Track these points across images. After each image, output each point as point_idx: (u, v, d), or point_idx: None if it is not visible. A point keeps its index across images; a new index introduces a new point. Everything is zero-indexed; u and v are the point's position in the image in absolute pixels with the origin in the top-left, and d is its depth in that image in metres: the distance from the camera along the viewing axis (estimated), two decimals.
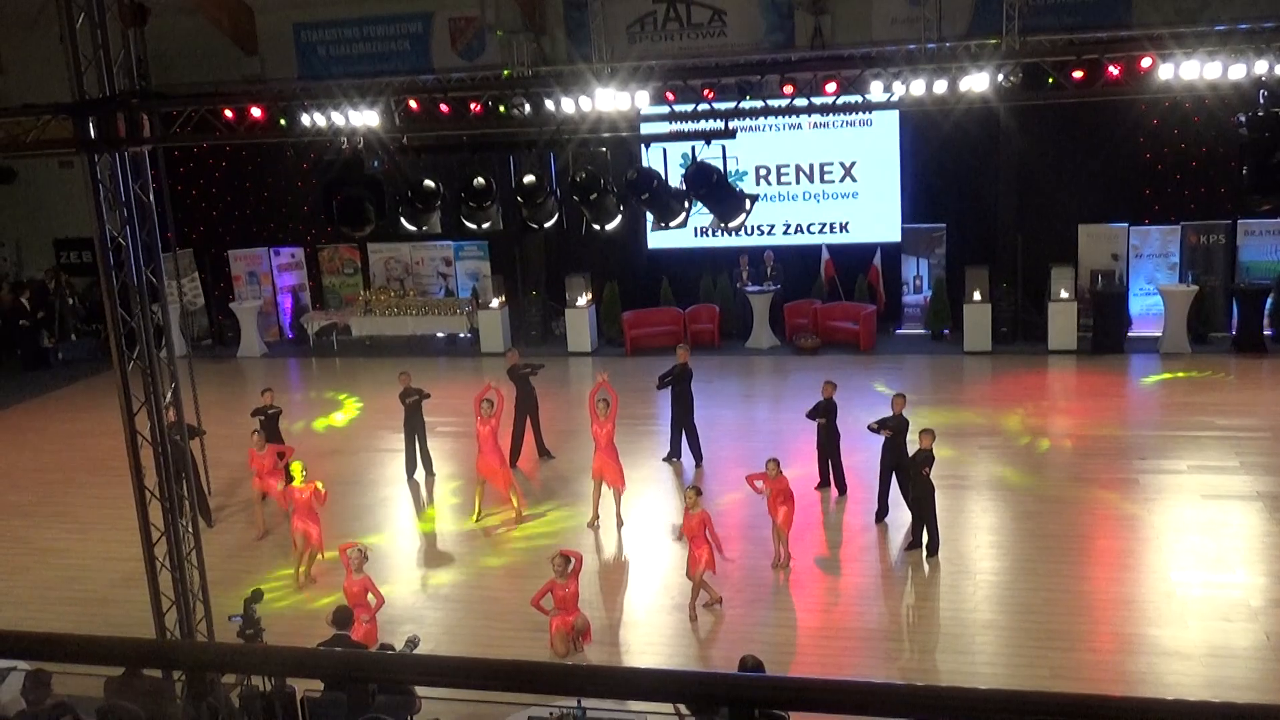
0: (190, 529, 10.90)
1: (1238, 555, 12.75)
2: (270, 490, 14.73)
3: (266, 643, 10.62)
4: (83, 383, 23.08)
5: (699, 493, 12.60)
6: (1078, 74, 10.10)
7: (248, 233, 25.83)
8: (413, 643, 10.22)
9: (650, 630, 12.07)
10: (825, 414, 14.74)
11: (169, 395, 10.42)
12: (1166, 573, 12.40)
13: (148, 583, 10.57)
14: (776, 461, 13.11)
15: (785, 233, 23.12)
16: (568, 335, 23.23)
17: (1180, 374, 19.37)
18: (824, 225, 23.09)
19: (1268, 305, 20.73)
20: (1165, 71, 9.87)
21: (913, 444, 13.52)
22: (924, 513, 13.10)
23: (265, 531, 14.81)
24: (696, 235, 22.70)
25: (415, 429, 16.24)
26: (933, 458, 12.99)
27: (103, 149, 9.54)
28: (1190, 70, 9.75)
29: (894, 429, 13.75)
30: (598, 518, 14.42)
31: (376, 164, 9.92)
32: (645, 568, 13.41)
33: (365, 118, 10.28)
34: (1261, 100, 9.23)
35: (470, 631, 12.26)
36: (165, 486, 10.39)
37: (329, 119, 10.31)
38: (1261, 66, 9.48)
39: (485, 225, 10.55)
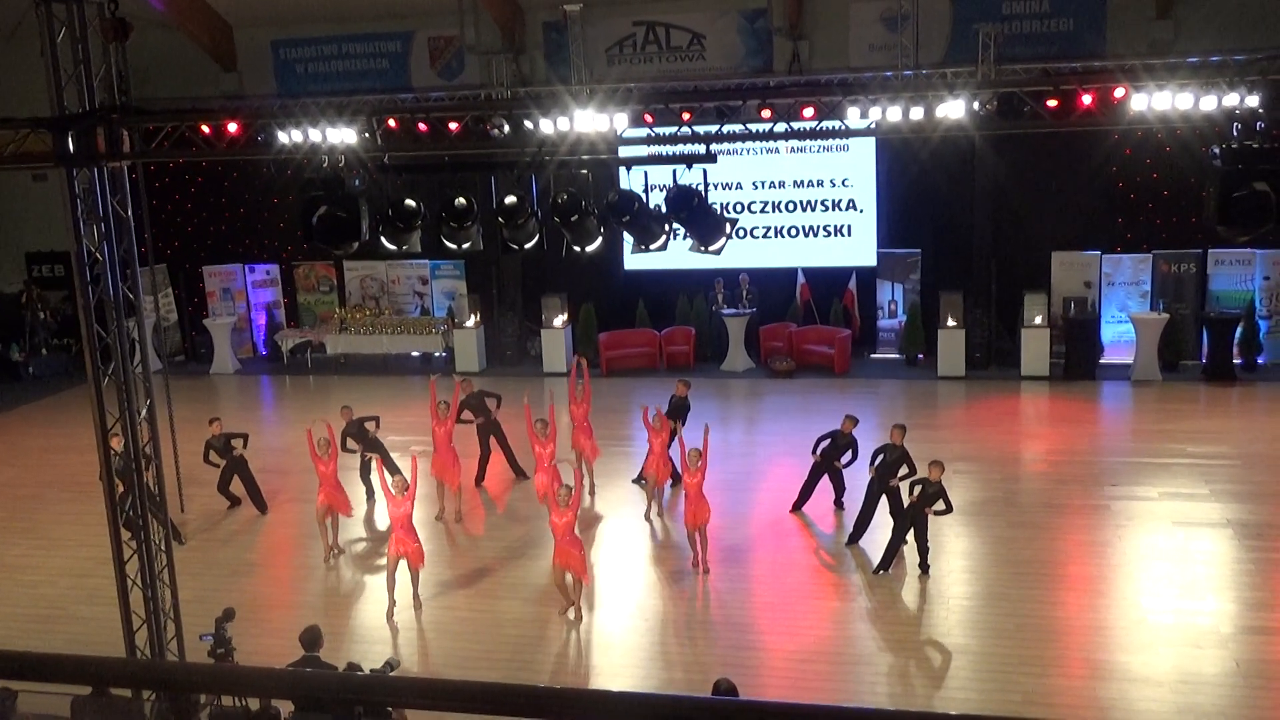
0: (163, 546, 10.81)
1: (1208, 582, 12.84)
2: (336, 503, 14.35)
3: (237, 662, 10.55)
4: (53, 397, 22.88)
5: (700, 454, 13.44)
6: (1052, 103, 10.22)
7: (223, 249, 25.72)
8: (391, 665, 10.15)
9: (624, 653, 12.04)
10: (845, 450, 14.80)
11: (143, 411, 10.35)
12: (1137, 599, 12.48)
13: (119, 600, 10.48)
14: (699, 452, 13.46)
15: (762, 256, 23.22)
16: (543, 356, 23.22)
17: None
18: (800, 249, 23.20)
19: (1237, 334, 20.95)
20: (1139, 102, 9.99)
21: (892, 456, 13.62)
22: (919, 539, 13.14)
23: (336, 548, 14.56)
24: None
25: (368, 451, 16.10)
26: (943, 493, 12.95)
27: (82, 164, 9.50)
28: (1163, 101, 9.88)
29: (891, 463, 13.76)
30: (572, 604, 12.78)
31: (358, 182, 9.91)
32: (618, 590, 13.37)
33: (343, 136, 10.29)
34: (1235, 132, 9.35)
35: (444, 652, 12.19)
36: (138, 504, 10.30)
37: (307, 137, 10.31)
38: (1232, 99, 9.63)
39: (466, 245, 10.56)
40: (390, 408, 18.38)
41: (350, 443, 15.81)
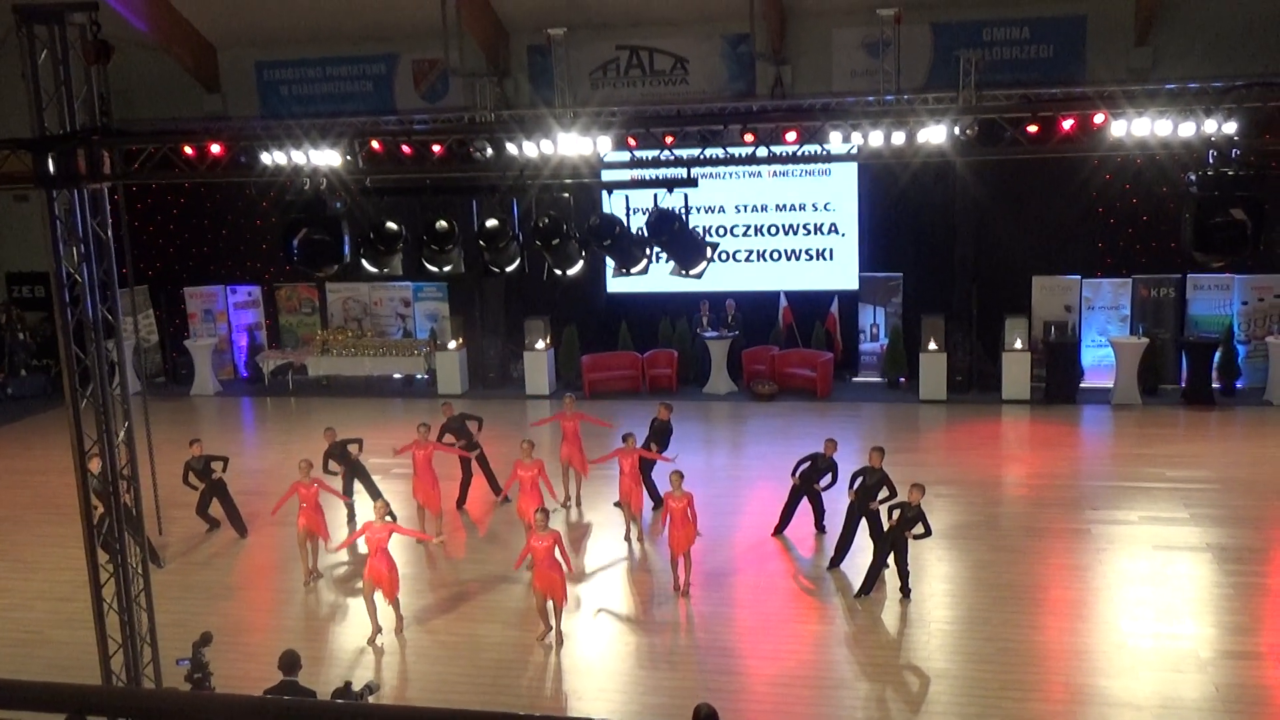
0: (140, 570, 10.73)
1: (1187, 606, 12.87)
2: (316, 527, 14.28)
3: (214, 688, 10.47)
4: (32, 419, 22.74)
5: (682, 477, 13.50)
6: (1032, 129, 10.31)
7: (205, 270, 25.67)
8: (370, 688, 10.09)
9: (604, 678, 11.98)
10: (825, 473, 14.84)
11: (121, 434, 10.29)
12: (1118, 623, 12.50)
13: (95, 625, 10.39)
14: (681, 475, 13.49)
15: (744, 280, 23.28)
16: (526, 378, 23.21)
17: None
18: (782, 273, 23.28)
19: (1216, 359, 21.08)
20: (1118, 128, 10.09)
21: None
22: (899, 562, 13.14)
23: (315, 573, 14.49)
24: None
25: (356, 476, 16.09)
26: (922, 517, 12.96)
27: (62, 185, 9.47)
28: (1142, 127, 9.98)
29: (871, 486, 13.78)
30: (549, 628, 12.66)
31: (339, 205, 9.91)
32: (598, 614, 13.33)
33: (327, 158, 10.28)
34: (1210, 160, 9.44)
35: (424, 676, 12.12)
36: (115, 526, 10.23)
37: (290, 158, 10.31)
38: (1210, 125, 9.72)
39: (447, 268, 10.55)
40: (372, 430, 18.31)
41: (332, 464, 15.78)
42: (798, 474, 14.81)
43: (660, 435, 16.05)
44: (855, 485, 13.88)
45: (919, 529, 12.90)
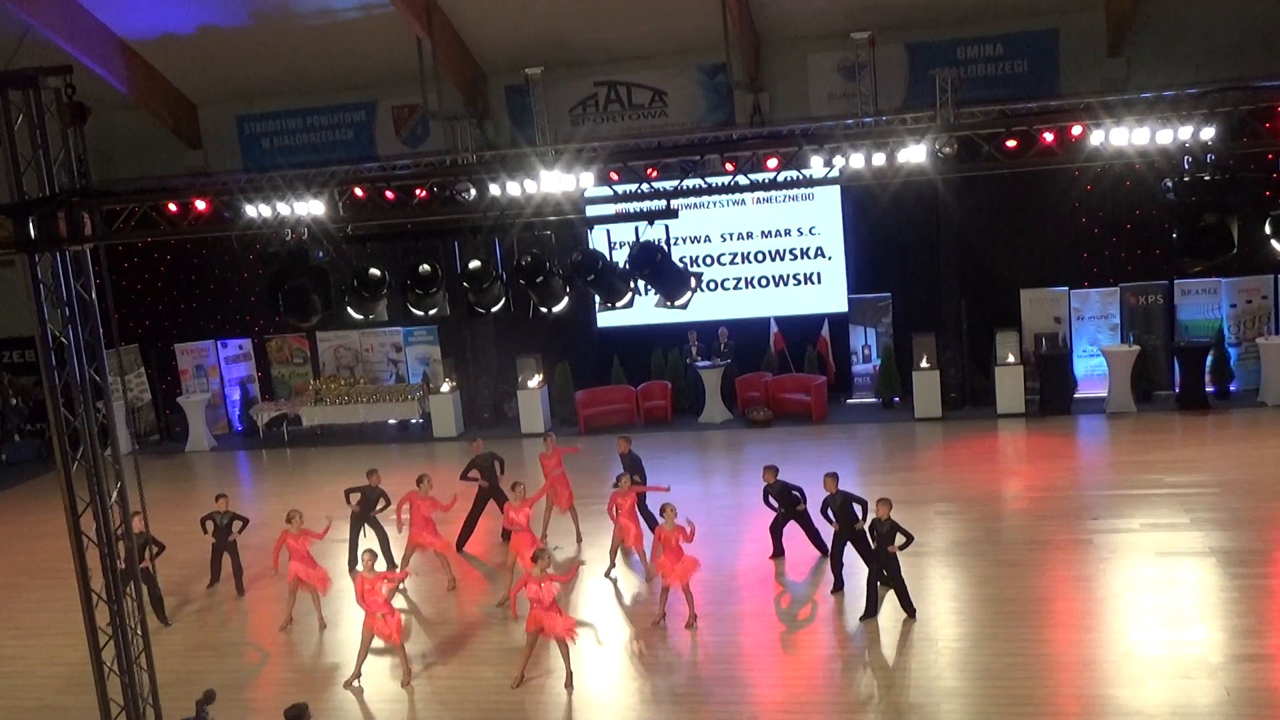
0: (139, 631, 10.65)
1: (1194, 612, 12.82)
2: (308, 577, 14.29)
3: None
4: (27, 484, 22.65)
5: (674, 511, 13.41)
6: (1011, 144, 10.36)
7: (194, 326, 25.68)
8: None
9: (614, 712, 11.88)
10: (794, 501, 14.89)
11: (114, 495, 10.24)
12: (1125, 632, 12.44)
13: (95, 688, 10.30)
14: (673, 508, 13.42)
15: (733, 308, 23.32)
16: (520, 417, 23.18)
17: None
18: (771, 299, 23.32)
19: (1208, 362, 21.11)
20: (1095, 139, 10.15)
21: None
22: (891, 580, 13.10)
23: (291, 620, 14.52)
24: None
25: (366, 524, 16.04)
26: (897, 527, 12.95)
27: (43, 249, 9.47)
28: (1119, 137, 10.03)
29: (838, 515, 13.80)
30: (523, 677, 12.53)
31: (321, 254, 9.92)
32: (604, 649, 13.24)
33: (310, 207, 10.30)
34: (1186, 165, 9.48)
35: None
36: (112, 588, 10.17)
37: (274, 210, 10.32)
38: (1186, 132, 9.77)
39: (432, 311, 10.57)
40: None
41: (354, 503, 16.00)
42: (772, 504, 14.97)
43: (634, 467, 15.98)
44: (828, 513, 13.91)
45: (899, 540, 12.88)
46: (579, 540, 16.51)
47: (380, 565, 12.76)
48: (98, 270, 10.15)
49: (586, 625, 13.80)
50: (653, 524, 15.32)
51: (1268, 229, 10.25)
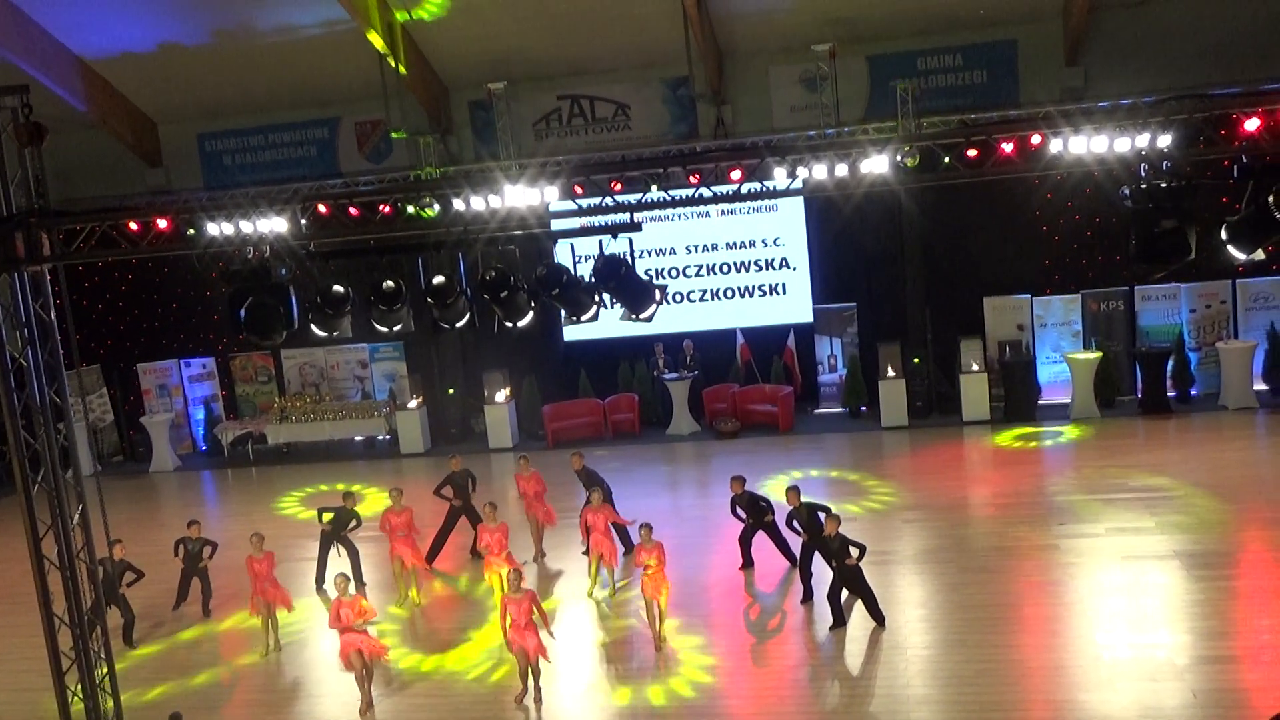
0: (104, 654, 10.53)
1: (1159, 615, 12.92)
2: (273, 598, 14.20)
3: None
4: None
5: (651, 529, 13.30)
6: (971, 153, 10.46)
7: (157, 345, 25.46)
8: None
9: None
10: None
11: (75, 517, 10.12)
12: (1093, 637, 12.52)
13: (59, 714, 10.17)
14: (650, 528, 13.33)
15: (699, 319, 23.37)
16: (488, 432, 23.11)
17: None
18: (737, 310, 23.38)
19: (1169, 367, 21.33)
20: (1054, 147, 10.26)
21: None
22: (857, 591, 13.13)
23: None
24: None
25: (337, 542, 15.91)
26: (847, 542, 12.99)
27: (1, 269, 9.37)
28: (1078, 145, 10.15)
29: (805, 526, 13.85)
30: (526, 691, 12.39)
31: (285, 271, 9.86)
32: (575, 667, 13.20)
33: (273, 225, 10.24)
34: (1143, 173, 9.60)
35: None
36: (74, 612, 10.05)
37: (237, 227, 10.26)
38: (1143, 140, 9.90)
39: (396, 327, 10.53)
40: (336, 494, 18.10)
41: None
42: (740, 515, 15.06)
43: (593, 481, 15.90)
44: (794, 525, 13.96)
45: (854, 552, 12.93)
46: (539, 557, 16.43)
47: (351, 589, 12.63)
48: (57, 290, 10.07)
49: (560, 642, 13.74)
50: (628, 542, 15.34)
51: (1224, 235, 10.39)
